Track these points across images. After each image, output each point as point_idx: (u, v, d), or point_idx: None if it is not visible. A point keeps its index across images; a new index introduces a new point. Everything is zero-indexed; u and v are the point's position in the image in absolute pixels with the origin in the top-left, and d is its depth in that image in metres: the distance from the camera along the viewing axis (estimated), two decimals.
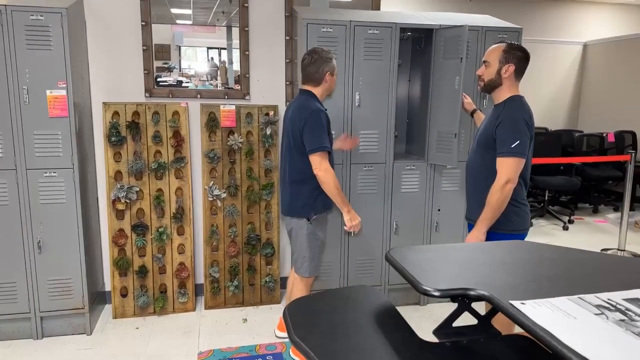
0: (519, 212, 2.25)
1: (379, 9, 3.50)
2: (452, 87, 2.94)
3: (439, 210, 3.29)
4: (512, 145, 2.10)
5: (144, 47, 3.11)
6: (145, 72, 3.14)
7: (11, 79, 2.60)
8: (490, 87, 2.25)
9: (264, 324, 3.11)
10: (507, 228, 2.23)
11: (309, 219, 2.53)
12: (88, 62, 3.07)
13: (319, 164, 2.40)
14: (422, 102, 3.28)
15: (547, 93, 7.27)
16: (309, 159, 2.42)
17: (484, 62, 2.27)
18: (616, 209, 6.23)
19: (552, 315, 0.90)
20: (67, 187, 2.76)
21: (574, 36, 7.33)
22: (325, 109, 2.50)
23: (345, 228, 2.58)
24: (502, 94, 2.24)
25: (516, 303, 0.94)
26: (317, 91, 2.50)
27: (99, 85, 3.11)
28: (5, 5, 2.54)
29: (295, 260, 2.67)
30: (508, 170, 2.12)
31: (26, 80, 2.62)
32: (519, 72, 2.22)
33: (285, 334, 2.89)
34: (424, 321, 3.15)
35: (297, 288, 2.68)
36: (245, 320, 3.17)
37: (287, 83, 3.33)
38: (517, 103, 2.20)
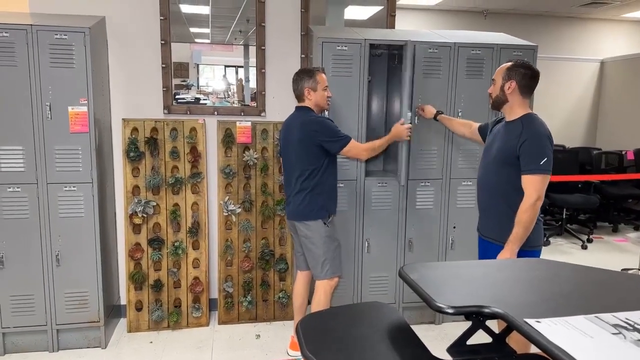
0: (535, 228, 2.25)
1: (393, 28, 3.54)
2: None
3: (454, 227, 3.26)
4: (541, 163, 2.12)
5: (163, 65, 3.19)
6: (164, 89, 3.21)
7: (35, 96, 2.68)
8: (497, 103, 2.31)
9: (277, 340, 3.09)
10: (525, 244, 2.22)
11: (326, 223, 2.62)
12: (109, 79, 3.15)
13: (357, 152, 2.65)
14: None
15: (565, 110, 7.21)
16: (334, 157, 2.66)
17: (492, 79, 2.36)
18: (636, 228, 6.10)
19: (568, 334, 0.89)
20: (86, 201, 2.81)
21: (591, 53, 7.29)
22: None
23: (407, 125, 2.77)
24: (512, 111, 2.27)
25: (531, 321, 0.93)
26: (309, 105, 2.65)
27: (119, 101, 3.19)
28: (31, 25, 2.63)
29: (314, 266, 2.67)
30: (537, 187, 2.14)
31: (49, 96, 2.70)
32: (525, 89, 2.24)
33: (297, 353, 2.87)
34: (439, 340, 3.11)
35: (319, 293, 2.66)
36: (258, 336, 3.16)
37: None
38: (536, 121, 2.22)
